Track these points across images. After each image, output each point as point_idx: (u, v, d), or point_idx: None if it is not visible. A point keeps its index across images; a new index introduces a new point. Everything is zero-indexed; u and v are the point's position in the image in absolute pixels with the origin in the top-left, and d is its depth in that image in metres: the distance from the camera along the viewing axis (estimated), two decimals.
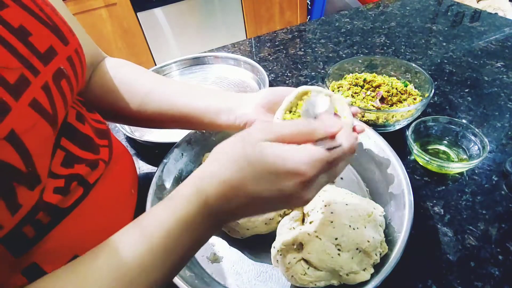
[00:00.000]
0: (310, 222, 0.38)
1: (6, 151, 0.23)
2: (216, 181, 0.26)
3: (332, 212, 0.37)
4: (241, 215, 0.30)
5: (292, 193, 0.25)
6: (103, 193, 0.37)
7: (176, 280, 0.34)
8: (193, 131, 0.51)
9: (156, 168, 0.47)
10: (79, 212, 0.33)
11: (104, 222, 0.37)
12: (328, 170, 0.26)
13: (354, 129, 0.33)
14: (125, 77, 0.45)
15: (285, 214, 0.42)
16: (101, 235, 0.35)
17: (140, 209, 0.46)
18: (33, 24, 0.28)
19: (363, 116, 0.55)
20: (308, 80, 0.77)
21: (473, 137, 0.51)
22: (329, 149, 0.25)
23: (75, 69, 0.33)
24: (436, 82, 0.71)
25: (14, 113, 0.24)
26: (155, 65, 0.87)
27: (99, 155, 0.37)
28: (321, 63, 0.84)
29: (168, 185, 0.47)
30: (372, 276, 0.35)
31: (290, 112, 0.37)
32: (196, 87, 0.45)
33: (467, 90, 0.68)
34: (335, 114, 0.34)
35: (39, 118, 0.27)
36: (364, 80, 0.65)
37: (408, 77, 0.64)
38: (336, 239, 0.35)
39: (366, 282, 0.34)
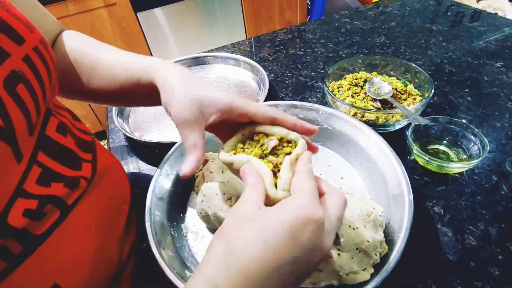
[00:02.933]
0: None
1: None
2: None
3: None
4: None
5: (313, 245, 0.23)
6: (85, 215, 0.34)
7: (177, 281, 0.34)
8: None
9: (156, 168, 0.47)
10: (56, 238, 0.30)
11: (88, 245, 0.34)
12: (330, 207, 0.26)
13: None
14: (72, 48, 0.41)
15: None
16: (85, 259, 0.33)
17: (138, 211, 0.46)
18: None
19: (363, 116, 0.56)
20: (308, 80, 0.77)
21: (473, 137, 0.51)
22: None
23: (35, 70, 0.29)
24: (436, 82, 0.71)
25: None
26: None
27: (80, 172, 0.34)
28: (321, 63, 0.84)
29: (167, 185, 0.47)
30: (372, 276, 0.35)
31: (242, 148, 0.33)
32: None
33: (467, 90, 0.68)
34: None
35: None
36: (365, 81, 0.65)
37: (408, 77, 0.65)
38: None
39: (366, 282, 0.34)
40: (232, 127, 0.35)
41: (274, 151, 0.31)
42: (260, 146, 0.32)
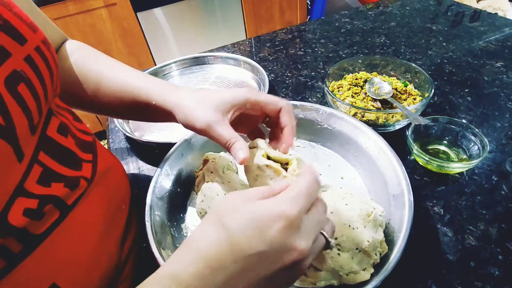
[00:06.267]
0: None
1: None
2: (194, 256, 0.24)
3: (332, 212, 0.37)
4: None
5: (282, 243, 0.22)
6: (85, 215, 0.34)
7: None
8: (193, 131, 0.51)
9: (156, 168, 0.47)
10: (56, 237, 0.30)
11: (87, 245, 0.34)
12: (311, 210, 0.26)
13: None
14: (74, 63, 0.42)
15: None
16: (84, 259, 0.33)
17: (138, 212, 0.46)
18: None
19: (363, 116, 0.56)
20: (308, 80, 0.77)
21: (473, 137, 0.51)
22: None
23: (37, 70, 0.29)
24: (436, 82, 0.71)
25: None
26: (155, 65, 0.87)
27: (80, 172, 0.34)
28: (321, 63, 0.84)
29: (167, 185, 0.47)
30: (372, 276, 0.35)
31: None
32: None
33: (467, 90, 0.68)
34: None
35: None
36: (365, 81, 0.65)
37: (408, 77, 0.65)
38: (336, 239, 0.35)
39: (366, 282, 0.34)
40: (249, 120, 0.41)
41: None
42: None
